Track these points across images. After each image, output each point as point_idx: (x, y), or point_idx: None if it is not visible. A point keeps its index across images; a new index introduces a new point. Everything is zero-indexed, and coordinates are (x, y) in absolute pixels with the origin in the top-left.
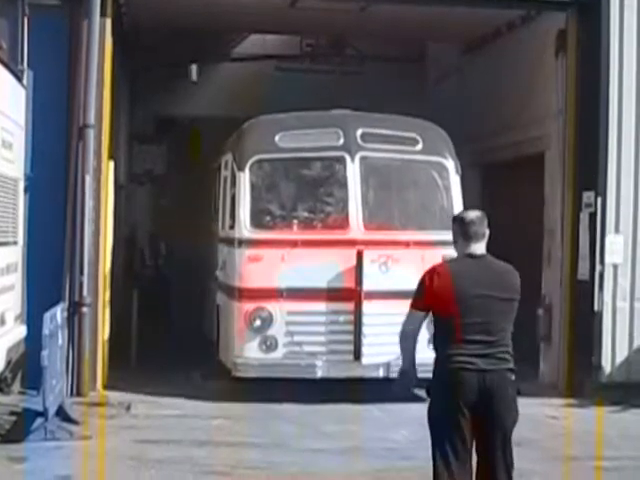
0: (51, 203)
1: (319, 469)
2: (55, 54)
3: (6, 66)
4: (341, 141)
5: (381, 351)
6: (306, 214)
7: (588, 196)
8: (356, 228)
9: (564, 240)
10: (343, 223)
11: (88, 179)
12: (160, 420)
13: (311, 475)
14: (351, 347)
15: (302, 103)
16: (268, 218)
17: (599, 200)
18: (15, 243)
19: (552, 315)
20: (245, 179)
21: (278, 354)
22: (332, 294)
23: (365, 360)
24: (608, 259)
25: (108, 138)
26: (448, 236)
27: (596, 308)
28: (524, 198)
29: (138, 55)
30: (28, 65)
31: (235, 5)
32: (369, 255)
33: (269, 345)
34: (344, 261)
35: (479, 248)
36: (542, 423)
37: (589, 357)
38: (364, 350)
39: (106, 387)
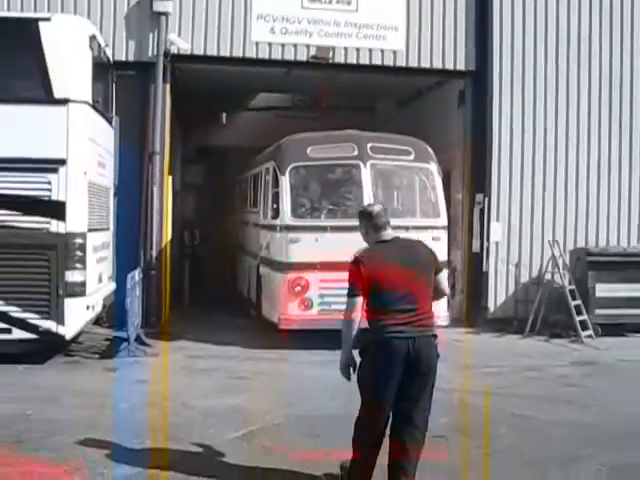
0: (131, 204)
1: (308, 374)
2: (133, 106)
3: (101, 114)
4: (356, 152)
5: None
6: (331, 207)
7: (479, 197)
8: None
9: (464, 226)
10: None
11: (155, 188)
12: (203, 344)
13: (301, 378)
14: None
15: None
16: (303, 210)
17: (486, 200)
18: (108, 229)
19: (457, 274)
20: (286, 181)
21: (314, 311)
22: None
23: None
24: (492, 238)
25: (168, 161)
26: (435, 222)
27: (484, 270)
28: None
29: (186, 105)
30: (115, 113)
31: (250, 74)
32: None
33: (306, 305)
34: (361, 241)
35: (388, 233)
36: (451, 345)
37: (480, 301)
38: None
39: (168, 323)
